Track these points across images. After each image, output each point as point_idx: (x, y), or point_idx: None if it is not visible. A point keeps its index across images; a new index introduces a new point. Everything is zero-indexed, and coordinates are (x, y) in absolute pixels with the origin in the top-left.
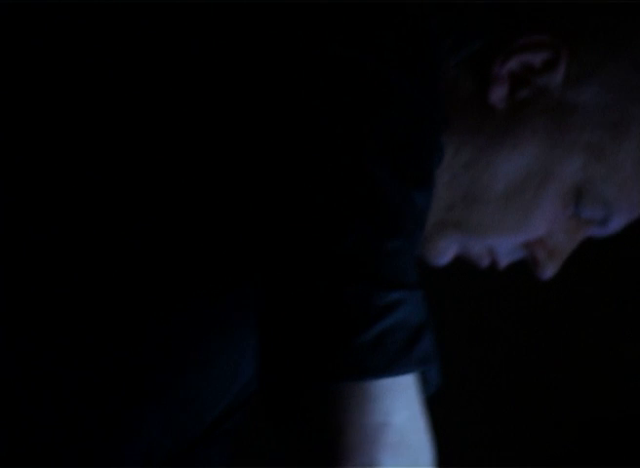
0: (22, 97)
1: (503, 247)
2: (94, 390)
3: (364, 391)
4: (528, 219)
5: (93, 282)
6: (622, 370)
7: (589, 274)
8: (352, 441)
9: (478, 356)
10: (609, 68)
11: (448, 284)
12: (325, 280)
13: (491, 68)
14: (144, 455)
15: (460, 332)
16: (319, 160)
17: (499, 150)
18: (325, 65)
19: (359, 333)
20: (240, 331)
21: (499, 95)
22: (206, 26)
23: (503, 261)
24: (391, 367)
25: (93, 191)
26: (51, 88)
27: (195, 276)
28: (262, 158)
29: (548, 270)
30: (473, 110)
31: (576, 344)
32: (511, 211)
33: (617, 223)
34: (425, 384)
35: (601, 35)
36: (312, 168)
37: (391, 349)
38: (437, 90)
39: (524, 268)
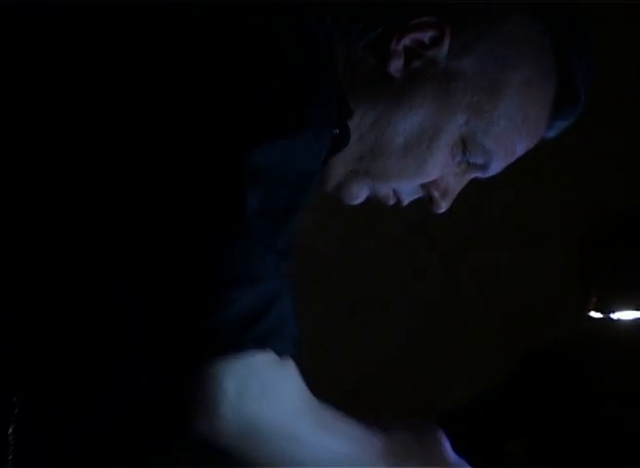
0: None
1: (405, 189)
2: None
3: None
4: (424, 166)
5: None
6: None
7: None
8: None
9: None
10: (484, 43)
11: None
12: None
13: (389, 46)
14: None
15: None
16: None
17: (397, 112)
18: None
19: (204, 319)
20: None
21: (396, 66)
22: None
23: (406, 200)
24: (220, 349)
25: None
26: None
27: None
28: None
29: (442, 206)
30: (376, 81)
31: None
32: (410, 159)
33: (495, 167)
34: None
35: (477, 16)
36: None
37: (223, 334)
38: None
39: None
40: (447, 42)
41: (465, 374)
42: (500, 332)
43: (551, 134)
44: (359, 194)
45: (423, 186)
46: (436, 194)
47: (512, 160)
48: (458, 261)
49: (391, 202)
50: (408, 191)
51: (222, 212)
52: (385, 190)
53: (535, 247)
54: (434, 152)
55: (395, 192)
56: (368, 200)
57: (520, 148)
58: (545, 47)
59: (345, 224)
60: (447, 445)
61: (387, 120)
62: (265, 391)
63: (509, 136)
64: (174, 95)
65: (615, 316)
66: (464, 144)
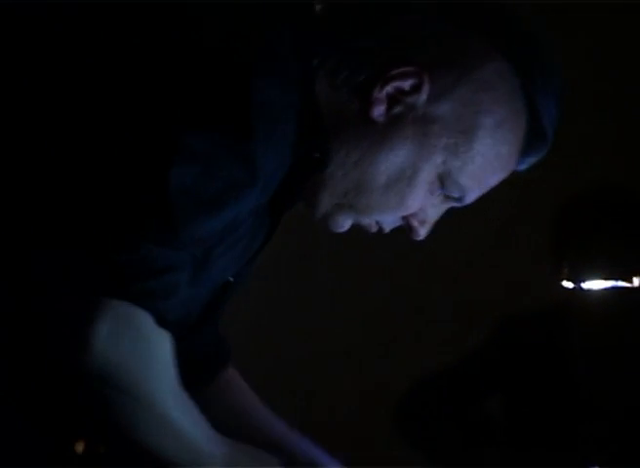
0: None
1: (386, 220)
2: None
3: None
4: (404, 201)
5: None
6: None
7: None
8: None
9: None
10: (460, 89)
11: None
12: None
13: (372, 93)
14: None
15: None
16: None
17: (379, 153)
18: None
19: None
20: None
21: (379, 111)
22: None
23: (387, 229)
24: (105, 289)
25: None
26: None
27: None
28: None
29: (421, 234)
30: (359, 124)
31: None
32: (391, 196)
33: (470, 198)
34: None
35: (454, 65)
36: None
37: (111, 276)
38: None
39: None
40: (426, 89)
41: (447, 340)
42: (480, 300)
43: (522, 167)
44: (344, 224)
45: (404, 216)
46: (415, 223)
47: (486, 191)
48: (441, 236)
49: (373, 230)
50: (389, 222)
51: (153, 172)
52: (368, 221)
53: (512, 221)
54: (414, 189)
55: (377, 222)
56: None
57: (493, 182)
58: (516, 90)
59: None
60: None
61: (370, 160)
62: (136, 348)
63: (483, 173)
64: (149, 76)
65: (585, 285)
66: (442, 181)
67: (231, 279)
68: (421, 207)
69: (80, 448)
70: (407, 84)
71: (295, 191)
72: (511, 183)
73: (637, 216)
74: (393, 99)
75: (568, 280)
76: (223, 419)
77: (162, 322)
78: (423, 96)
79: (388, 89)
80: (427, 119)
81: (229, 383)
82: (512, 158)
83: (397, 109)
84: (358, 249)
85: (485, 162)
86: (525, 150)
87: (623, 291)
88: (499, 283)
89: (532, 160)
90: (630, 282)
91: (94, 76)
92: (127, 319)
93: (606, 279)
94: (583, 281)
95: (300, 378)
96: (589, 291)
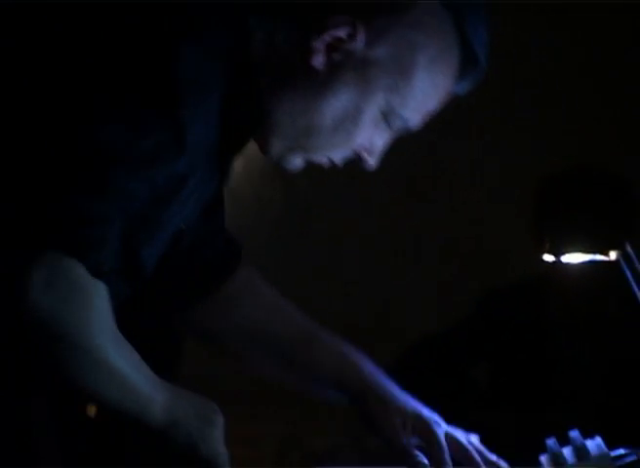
0: None
1: (336, 156)
2: None
3: None
4: (351, 138)
5: None
6: None
7: None
8: None
9: None
10: (394, 31)
11: None
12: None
13: (310, 43)
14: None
15: None
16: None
17: (322, 99)
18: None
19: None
20: None
21: (319, 60)
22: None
23: (339, 162)
24: (40, 239)
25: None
26: None
27: None
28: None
29: (371, 163)
30: (302, 74)
31: None
32: (338, 136)
33: (414, 126)
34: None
35: (387, 10)
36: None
37: (46, 226)
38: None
39: None
40: (361, 36)
41: (434, 310)
42: (467, 272)
43: (460, 90)
44: (296, 163)
45: (353, 150)
46: (365, 154)
47: (429, 116)
48: (427, 215)
49: (326, 164)
50: (339, 156)
51: (84, 127)
52: (319, 158)
53: (498, 198)
54: (359, 127)
55: (329, 158)
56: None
57: (433, 107)
58: (446, 24)
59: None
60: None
61: (314, 107)
62: (70, 297)
63: (423, 104)
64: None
65: (564, 259)
66: (385, 116)
67: (183, 226)
68: (369, 139)
69: (92, 411)
70: (343, 32)
71: (239, 144)
72: (496, 162)
73: (614, 193)
74: (332, 48)
75: (549, 253)
76: (253, 316)
77: (97, 273)
78: (360, 42)
79: (326, 38)
80: (366, 63)
81: (246, 285)
82: (449, 85)
83: (336, 57)
84: (354, 238)
85: (424, 94)
86: (461, 75)
87: (601, 264)
88: (483, 257)
89: (468, 83)
90: (607, 255)
91: (33, 45)
92: (61, 269)
93: (584, 253)
94: (563, 254)
95: None
96: (568, 264)
